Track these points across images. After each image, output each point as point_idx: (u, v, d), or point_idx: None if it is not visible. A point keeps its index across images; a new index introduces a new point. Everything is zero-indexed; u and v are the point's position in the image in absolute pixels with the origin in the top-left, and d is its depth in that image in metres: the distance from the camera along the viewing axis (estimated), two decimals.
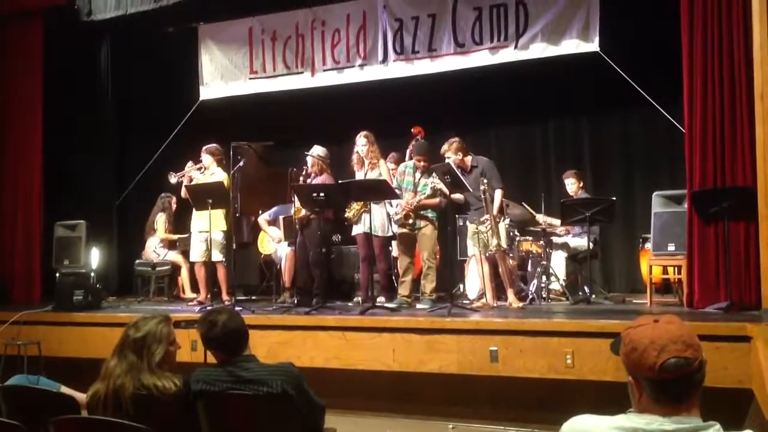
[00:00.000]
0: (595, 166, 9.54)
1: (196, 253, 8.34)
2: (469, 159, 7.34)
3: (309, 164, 7.96)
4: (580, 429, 1.97)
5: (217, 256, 8.07)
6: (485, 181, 6.99)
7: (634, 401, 1.98)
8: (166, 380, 3.31)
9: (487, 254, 7.18)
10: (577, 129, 9.80)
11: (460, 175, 6.90)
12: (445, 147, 7.35)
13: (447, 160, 7.25)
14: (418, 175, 7.58)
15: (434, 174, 7.26)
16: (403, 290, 7.52)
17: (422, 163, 7.55)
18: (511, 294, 7.20)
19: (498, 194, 7.15)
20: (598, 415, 1.99)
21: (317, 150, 8.00)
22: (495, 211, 7.05)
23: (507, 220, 8.11)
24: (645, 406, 1.94)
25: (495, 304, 7.19)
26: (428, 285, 7.47)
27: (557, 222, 8.34)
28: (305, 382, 3.39)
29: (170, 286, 9.52)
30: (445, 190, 7.09)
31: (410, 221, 7.44)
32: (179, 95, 10.11)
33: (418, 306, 7.31)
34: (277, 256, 8.98)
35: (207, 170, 8.33)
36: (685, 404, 1.91)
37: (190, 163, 8.42)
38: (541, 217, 8.40)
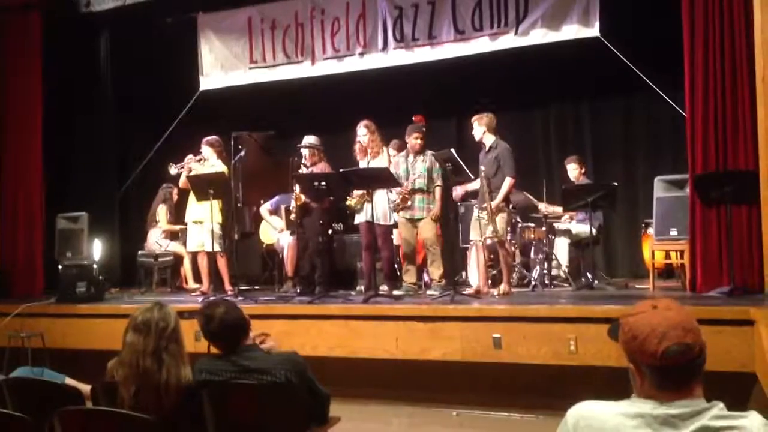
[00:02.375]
0: (596, 151, 9.52)
1: (192, 243, 8.35)
2: (491, 139, 7.20)
3: (305, 156, 7.93)
4: (585, 415, 1.98)
5: (215, 247, 8.07)
6: (482, 168, 6.97)
7: (635, 387, 1.99)
8: (188, 369, 3.32)
9: (483, 241, 7.15)
10: (578, 115, 9.78)
11: (461, 162, 6.88)
12: (478, 117, 7.28)
13: (472, 131, 7.26)
14: (411, 158, 7.56)
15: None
16: (409, 277, 7.54)
17: (419, 141, 7.52)
18: (504, 284, 7.17)
19: (506, 182, 7.05)
20: (604, 401, 2.00)
21: (310, 139, 7.98)
22: (499, 199, 7.01)
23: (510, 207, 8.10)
24: (648, 391, 1.94)
25: (486, 291, 7.12)
26: (436, 271, 7.47)
27: (559, 210, 8.34)
28: (309, 371, 3.39)
29: (173, 277, 9.53)
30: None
31: (408, 203, 7.43)
32: (179, 86, 10.08)
33: (429, 292, 7.31)
34: (279, 246, 8.99)
35: (207, 162, 8.32)
36: (688, 388, 1.92)
37: (190, 156, 8.41)
38: (543, 206, 8.39)
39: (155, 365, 3.21)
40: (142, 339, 3.25)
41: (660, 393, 1.92)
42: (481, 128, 7.21)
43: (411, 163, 7.53)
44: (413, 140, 7.53)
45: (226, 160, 8.21)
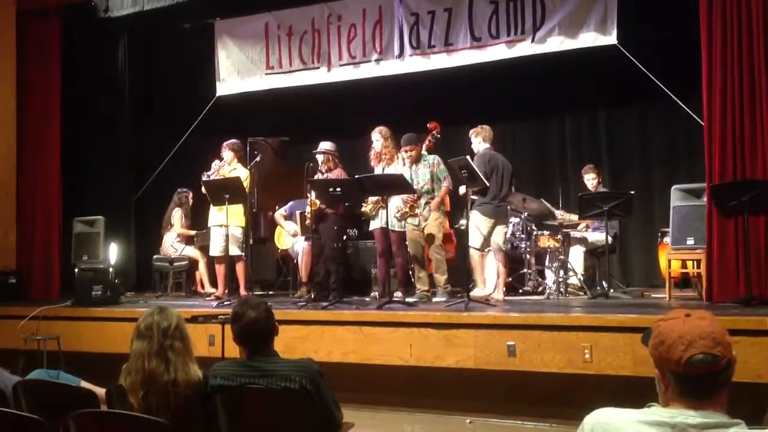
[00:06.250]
0: (613, 160, 9.48)
1: (216, 248, 8.36)
2: (482, 149, 7.29)
3: (320, 162, 7.95)
4: (602, 421, 1.97)
5: (235, 251, 8.10)
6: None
7: (660, 394, 1.97)
8: (197, 367, 3.33)
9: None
10: (594, 123, 9.74)
11: (476, 169, 6.89)
12: (476, 129, 7.37)
13: (472, 144, 7.32)
14: (414, 167, 7.56)
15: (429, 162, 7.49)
16: (422, 285, 7.53)
17: (411, 153, 7.51)
18: (496, 291, 7.30)
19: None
20: (621, 408, 1.98)
21: (325, 145, 7.98)
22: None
23: (524, 214, 8.09)
24: (670, 399, 1.93)
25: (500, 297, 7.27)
26: (441, 278, 7.48)
27: (575, 217, 8.31)
28: (323, 378, 3.38)
29: (188, 282, 9.56)
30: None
31: (416, 211, 7.42)
32: (196, 91, 10.15)
33: (435, 299, 7.31)
34: (293, 251, 8.99)
35: (229, 165, 8.33)
36: (710, 400, 1.90)
37: (216, 161, 8.39)
38: (559, 213, 8.36)
39: (162, 365, 3.22)
40: (146, 343, 3.26)
41: (681, 402, 1.90)
42: (478, 140, 7.32)
43: (414, 171, 7.53)
44: (404, 153, 7.54)
45: (246, 164, 8.23)
